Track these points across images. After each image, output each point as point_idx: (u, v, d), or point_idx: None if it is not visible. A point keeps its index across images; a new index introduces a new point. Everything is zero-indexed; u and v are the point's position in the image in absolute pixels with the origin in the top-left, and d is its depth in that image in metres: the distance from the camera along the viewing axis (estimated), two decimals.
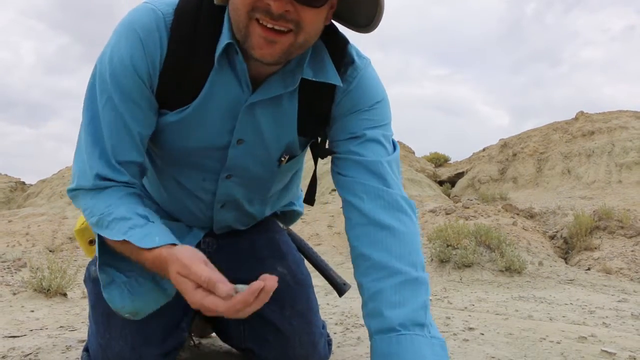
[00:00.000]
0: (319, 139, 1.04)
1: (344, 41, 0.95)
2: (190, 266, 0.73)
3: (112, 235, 0.83)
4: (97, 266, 0.87)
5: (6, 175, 14.10)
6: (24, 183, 13.64)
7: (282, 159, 1.03)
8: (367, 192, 0.94)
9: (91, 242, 1.20)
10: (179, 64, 0.88)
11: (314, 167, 1.07)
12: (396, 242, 0.90)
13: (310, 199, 1.08)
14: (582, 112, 11.51)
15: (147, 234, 0.82)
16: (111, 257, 0.89)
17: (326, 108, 0.98)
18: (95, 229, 0.87)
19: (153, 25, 0.86)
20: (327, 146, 1.04)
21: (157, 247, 0.79)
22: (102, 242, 0.88)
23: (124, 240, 0.82)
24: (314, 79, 0.91)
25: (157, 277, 0.89)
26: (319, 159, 1.05)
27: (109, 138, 0.88)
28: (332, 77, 0.92)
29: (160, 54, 0.87)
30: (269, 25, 0.77)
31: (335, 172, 1.00)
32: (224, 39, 0.84)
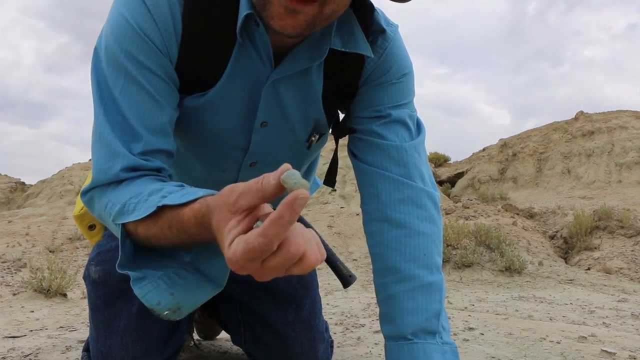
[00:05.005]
0: (340, 116, 0.96)
1: (371, 6, 0.85)
2: (237, 186, 0.51)
3: (142, 211, 0.65)
4: (118, 267, 0.67)
5: (6, 175, 14.09)
6: (23, 183, 13.63)
7: (312, 138, 0.94)
8: (385, 184, 0.88)
9: (91, 227, 1.13)
10: (198, 42, 0.77)
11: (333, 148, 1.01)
12: (411, 243, 0.86)
13: (330, 180, 1.01)
14: (582, 112, 11.51)
15: (186, 193, 0.63)
16: (138, 260, 0.70)
17: (353, 81, 0.89)
18: (119, 219, 0.68)
19: None
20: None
21: (201, 198, 0.60)
22: (126, 241, 0.69)
23: (158, 209, 0.63)
24: (342, 50, 0.81)
25: (202, 267, 0.70)
26: (340, 138, 0.97)
27: (133, 120, 0.74)
28: (363, 47, 0.83)
29: (174, 28, 0.76)
30: None
31: (353, 154, 0.93)
32: (243, 10, 0.73)
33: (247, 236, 0.46)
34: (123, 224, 0.68)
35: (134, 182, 0.72)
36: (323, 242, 1.30)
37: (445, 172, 12.94)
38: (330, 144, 0.98)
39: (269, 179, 0.48)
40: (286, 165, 0.47)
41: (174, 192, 0.65)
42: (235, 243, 0.48)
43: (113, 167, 0.72)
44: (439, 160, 13.97)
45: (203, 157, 0.95)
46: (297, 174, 0.46)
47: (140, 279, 0.67)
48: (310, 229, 0.51)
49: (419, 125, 0.95)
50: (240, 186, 0.51)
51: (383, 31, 0.87)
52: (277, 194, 0.48)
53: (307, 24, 0.68)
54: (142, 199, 0.67)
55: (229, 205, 0.51)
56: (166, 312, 0.68)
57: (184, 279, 0.69)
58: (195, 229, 0.60)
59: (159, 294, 0.67)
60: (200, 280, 0.70)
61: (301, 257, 0.48)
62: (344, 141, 0.98)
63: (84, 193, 0.78)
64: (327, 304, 2.58)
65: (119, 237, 0.68)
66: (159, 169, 0.76)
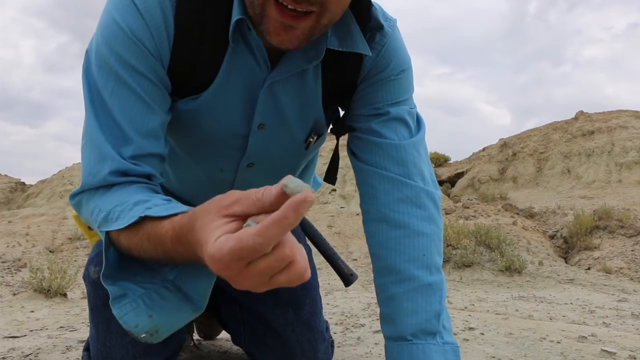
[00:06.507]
0: (341, 114, 0.96)
1: (368, 2, 0.84)
2: (228, 196, 0.49)
3: (125, 221, 0.64)
4: (102, 278, 0.66)
5: (6, 175, 14.10)
6: (24, 183, 13.64)
7: (310, 139, 0.94)
8: (383, 183, 0.87)
9: (91, 227, 1.14)
10: (190, 45, 0.77)
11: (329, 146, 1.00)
12: (410, 243, 0.86)
13: (331, 177, 1.00)
14: (582, 112, 11.52)
15: (171, 207, 0.62)
16: (122, 270, 0.69)
17: (352, 79, 0.88)
18: (103, 226, 0.67)
19: None
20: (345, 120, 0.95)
21: (180, 213, 0.59)
22: (109, 249, 0.68)
23: (140, 220, 0.62)
24: (340, 49, 0.81)
25: (184, 287, 0.69)
26: (340, 136, 0.97)
27: (124, 124, 0.73)
28: (361, 46, 0.82)
29: (166, 31, 0.75)
30: (290, 7, 0.65)
31: (352, 152, 0.93)
32: (235, 15, 0.73)
33: (238, 234, 0.43)
34: (107, 232, 0.67)
35: (122, 189, 0.71)
36: (323, 241, 1.30)
37: (445, 172, 12.94)
38: (329, 143, 0.99)
39: (270, 189, 0.46)
40: (288, 175, 0.45)
41: (159, 205, 0.64)
42: (223, 239, 0.44)
43: (102, 171, 0.71)
44: (439, 160, 13.97)
45: (200, 158, 0.95)
46: (298, 180, 0.44)
47: (120, 297, 0.67)
48: (301, 245, 0.47)
49: (418, 122, 0.94)
50: (236, 193, 0.49)
51: (381, 27, 0.86)
52: (275, 207, 0.44)
53: (304, 36, 0.69)
54: (126, 207, 0.66)
55: (220, 208, 0.48)
56: (143, 335, 0.67)
57: (165, 299, 0.68)
58: (171, 244, 0.58)
59: (138, 316, 0.66)
60: (181, 301, 0.68)
61: (291, 262, 0.45)
62: (343, 140, 0.98)
63: (73, 196, 0.76)
64: (327, 304, 2.58)
65: (103, 245, 0.66)
66: (149, 175, 0.75)
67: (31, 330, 1.94)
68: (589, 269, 4.78)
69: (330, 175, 1.01)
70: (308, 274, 0.46)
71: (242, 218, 0.47)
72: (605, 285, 3.88)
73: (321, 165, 7.30)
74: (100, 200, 0.71)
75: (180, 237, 0.56)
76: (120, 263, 0.68)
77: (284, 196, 0.44)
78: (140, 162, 0.73)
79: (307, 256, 0.47)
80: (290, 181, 0.44)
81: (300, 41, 0.70)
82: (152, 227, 0.61)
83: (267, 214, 0.45)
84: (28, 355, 1.49)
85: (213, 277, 0.67)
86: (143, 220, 0.62)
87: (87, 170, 0.73)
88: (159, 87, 0.77)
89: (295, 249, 0.44)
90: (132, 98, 0.74)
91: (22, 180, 13.78)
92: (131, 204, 0.66)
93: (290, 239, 0.45)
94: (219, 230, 0.46)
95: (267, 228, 0.41)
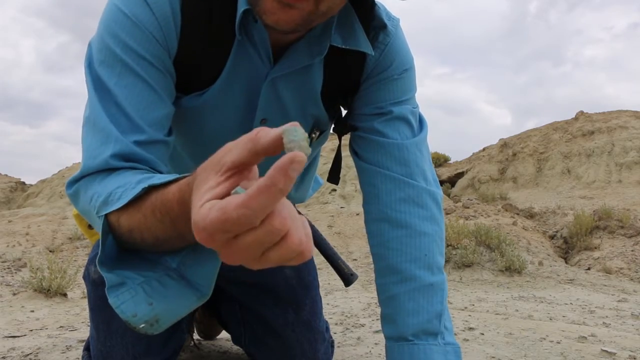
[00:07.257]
0: (343, 112, 0.95)
1: (372, 2, 0.84)
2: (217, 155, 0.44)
3: (127, 197, 0.59)
4: (98, 264, 0.61)
5: (6, 175, 14.10)
6: (24, 183, 13.64)
7: (313, 135, 0.93)
8: (386, 183, 0.88)
9: (91, 226, 1.08)
10: (197, 38, 0.76)
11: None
12: (412, 243, 0.86)
13: (334, 178, 1.00)
14: (582, 112, 11.52)
15: (176, 174, 0.58)
16: (119, 261, 0.64)
17: (355, 77, 0.88)
18: (103, 209, 0.62)
19: None
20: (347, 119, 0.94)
21: (186, 176, 0.53)
22: (108, 236, 0.62)
23: (144, 193, 0.57)
24: (343, 47, 0.80)
25: (188, 274, 0.64)
26: (342, 135, 0.96)
27: (130, 111, 0.70)
28: (363, 44, 0.81)
29: (174, 21, 0.74)
30: None
31: (354, 152, 0.93)
32: (242, 5, 0.72)
33: (224, 203, 0.37)
34: (106, 216, 0.61)
35: (123, 173, 0.67)
36: (324, 241, 1.29)
37: (445, 172, 12.94)
38: (329, 144, 0.99)
39: (267, 130, 0.39)
40: (295, 123, 0.38)
41: (164, 179, 0.58)
42: (208, 206, 0.38)
43: (104, 153, 0.67)
44: (439, 160, 13.97)
45: (200, 156, 0.95)
46: (301, 133, 0.37)
47: (118, 285, 0.62)
48: (302, 216, 0.42)
49: (421, 121, 0.94)
50: (231, 142, 0.43)
51: (384, 26, 0.86)
52: (271, 151, 0.39)
53: (302, 19, 0.66)
54: (129, 187, 0.61)
55: (214, 164, 0.42)
56: (142, 325, 0.62)
57: (167, 286, 0.63)
58: (178, 207, 0.52)
59: (136, 304, 0.61)
60: (185, 287, 0.64)
61: (283, 237, 0.38)
62: (344, 140, 0.98)
63: (70, 184, 0.71)
64: (327, 304, 2.58)
65: (100, 231, 0.61)
66: (153, 166, 0.72)
67: (31, 330, 1.94)
68: (589, 269, 4.78)
69: (334, 176, 1.01)
70: (306, 253, 0.39)
71: (239, 171, 0.42)
72: (605, 285, 3.88)
73: (321, 165, 7.29)
74: (100, 185, 0.66)
75: (185, 198, 0.50)
76: (118, 256, 0.65)
77: (281, 143, 0.38)
78: (146, 148, 0.71)
79: (309, 230, 0.40)
80: (290, 131, 0.37)
81: (297, 23, 0.66)
82: (158, 196, 0.56)
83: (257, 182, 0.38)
84: (28, 354, 1.49)
85: (218, 261, 0.63)
86: (148, 194, 0.58)
87: (88, 154, 0.70)
88: (165, 76, 0.76)
89: (288, 221, 0.37)
90: (138, 85, 0.72)
91: (22, 180, 13.79)
92: (134, 183, 0.61)
93: (285, 209, 0.38)
94: (207, 194, 0.40)
95: (253, 197, 0.35)
